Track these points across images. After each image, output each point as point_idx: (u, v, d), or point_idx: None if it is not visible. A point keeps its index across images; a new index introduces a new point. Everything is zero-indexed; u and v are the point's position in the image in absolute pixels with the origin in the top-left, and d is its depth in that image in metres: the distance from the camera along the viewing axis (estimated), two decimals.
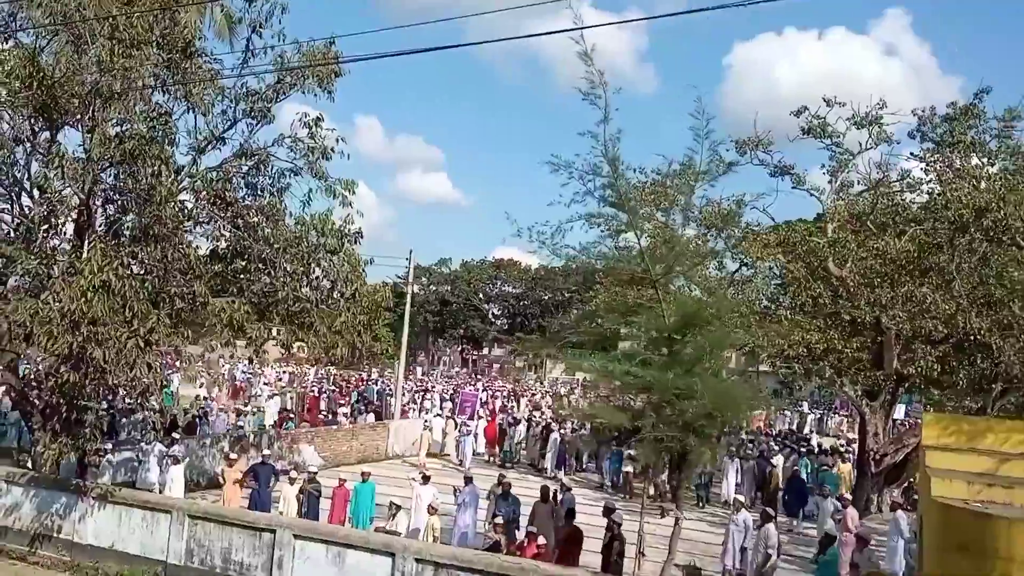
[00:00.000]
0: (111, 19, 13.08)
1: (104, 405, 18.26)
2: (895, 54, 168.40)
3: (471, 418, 32.98)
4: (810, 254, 23.30)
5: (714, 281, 21.52)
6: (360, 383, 48.61)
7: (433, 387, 49.97)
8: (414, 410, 36.59)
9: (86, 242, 15.48)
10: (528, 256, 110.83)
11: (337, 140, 16.37)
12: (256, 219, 17.04)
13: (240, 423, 26.59)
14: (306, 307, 16.98)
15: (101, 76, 13.12)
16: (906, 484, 24.94)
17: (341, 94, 16.57)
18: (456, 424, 30.90)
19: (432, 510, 15.41)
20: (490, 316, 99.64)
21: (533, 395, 51.66)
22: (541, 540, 13.36)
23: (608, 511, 14.04)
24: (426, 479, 16.95)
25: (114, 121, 14.28)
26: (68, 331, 12.61)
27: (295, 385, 41.55)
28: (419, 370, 69.49)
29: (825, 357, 23.14)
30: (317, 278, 17.69)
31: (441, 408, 35.38)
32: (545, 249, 12.80)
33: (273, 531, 13.51)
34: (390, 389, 42.18)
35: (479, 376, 74.74)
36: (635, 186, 29.38)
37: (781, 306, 22.95)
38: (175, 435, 20.28)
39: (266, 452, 19.22)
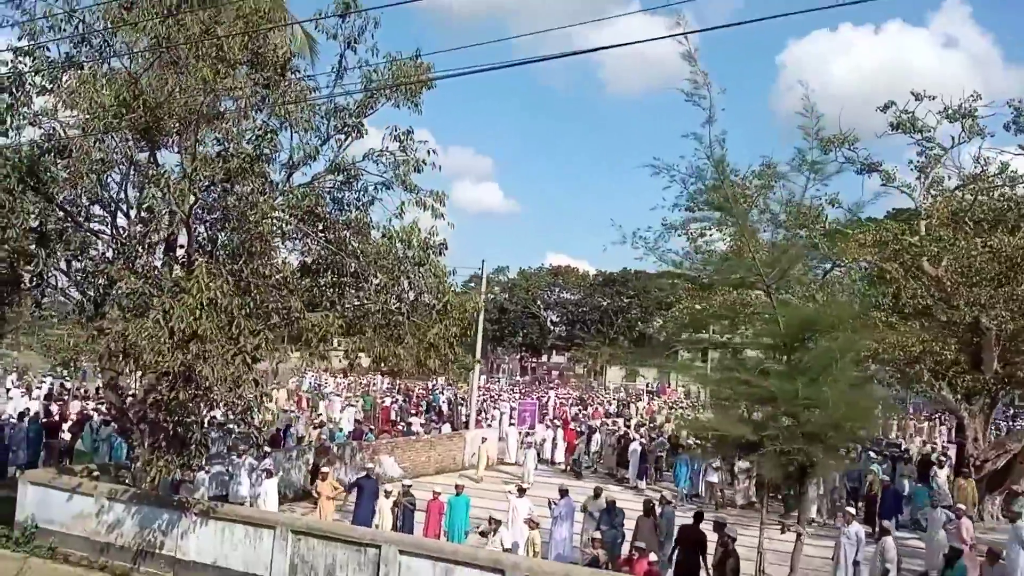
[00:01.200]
0: (216, 40, 13.11)
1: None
2: (955, 46, 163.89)
3: (531, 427, 32.47)
4: (903, 252, 22.47)
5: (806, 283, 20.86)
6: (425, 393, 48.71)
7: (500, 395, 49.82)
8: (485, 420, 36.42)
9: (182, 261, 15.65)
10: (582, 262, 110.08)
11: (428, 152, 16.17)
12: (345, 233, 16.99)
13: (323, 435, 26.68)
14: (397, 320, 16.85)
15: (204, 96, 13.16)
16: (1007, 491, 23.84)
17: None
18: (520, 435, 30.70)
19: (533, 524, 15.11)
20: (548, 323, 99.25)
21: (601, 402, 51.05)
22: (653, 557, 12.94)
23: (719, 526, 13.57)
24: (522, 492, 16.67)
25: (215, 140, 14.33)
26: (178, 349, 12.65)
27: (368, 395, 41.69)
28: (482, 378, 69.11)
29: (921, 360, 22.30)
30: (404, 291, 17.55)
31: (512, 418, 35.11)
32: (652, 255, 12.44)
33: (378, 547, 13.35)
34: (458, 398, 42.13)
35: (541, 384, 74.13)
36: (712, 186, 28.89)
37: (877, 307, 22.11)
38: (265, 448, 20.35)
39: (369, 466, 19.16)
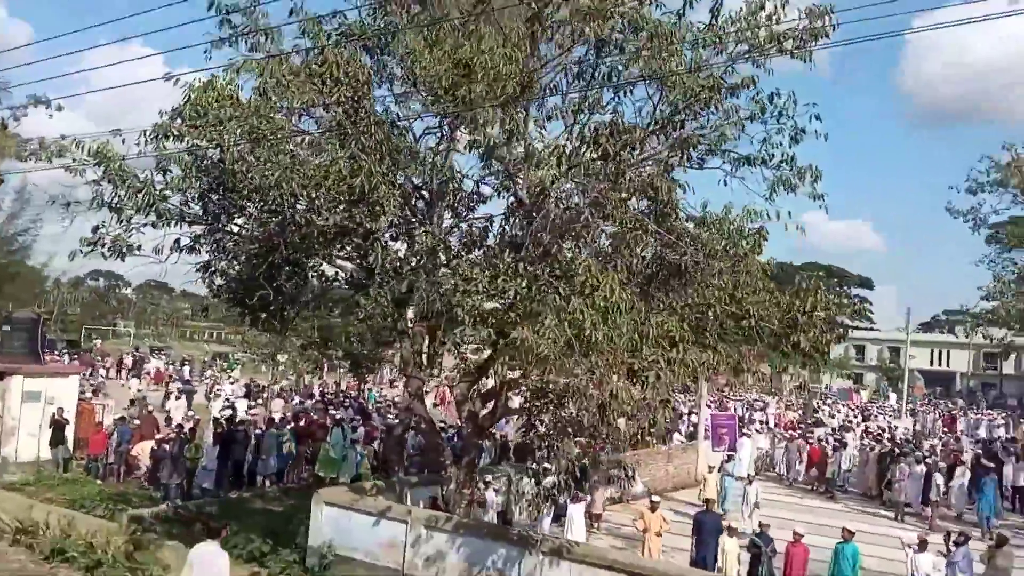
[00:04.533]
0: None
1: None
2: None
3: (731, 449, 26.41)
4: None
5: None
6: None
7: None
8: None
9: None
10: None
11: (811, 118, 13.12)
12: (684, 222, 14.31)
13: None
14: (749, 324, 14.07)
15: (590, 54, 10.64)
16: None
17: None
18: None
19: None
20: None
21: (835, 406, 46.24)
22: None
23: None
24: (923, 545, 13.52)
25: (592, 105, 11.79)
26: (581, 357, 10.25)
27: None
28: None
29: None
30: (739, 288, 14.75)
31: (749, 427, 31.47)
32: None
33: None
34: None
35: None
36: None
37: None
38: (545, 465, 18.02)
39: (709, 497, 16.56)
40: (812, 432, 31.74)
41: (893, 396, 55.57)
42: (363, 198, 10.72)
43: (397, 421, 22.00)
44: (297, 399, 31.93)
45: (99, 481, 19.96)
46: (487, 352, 13.87)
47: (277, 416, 28.21)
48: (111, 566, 12.86)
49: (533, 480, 13.27)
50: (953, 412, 46.41)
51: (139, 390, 36.16)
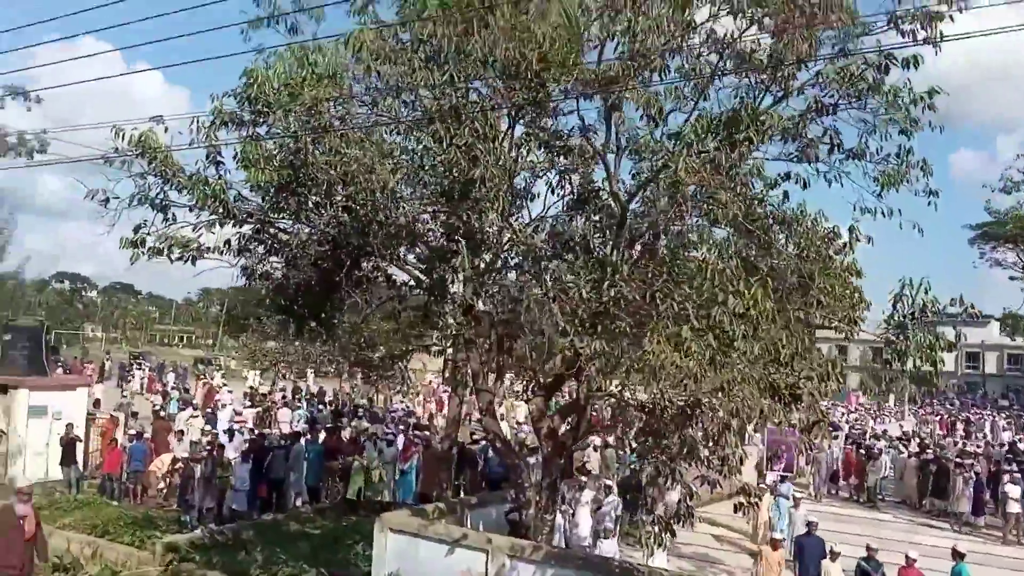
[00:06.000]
0: None
1: None
2: None
3: (788, 470, 23.78)
4: None
5: None
6: None
7: None
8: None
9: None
10: None
11: (924, 108, 11.88)
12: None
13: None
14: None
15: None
16: None
17: None
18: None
19: None
20: None
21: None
22: None
23: None
24: None
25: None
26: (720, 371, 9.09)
27: None
28: None
29: None
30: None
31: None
32: None
33: None
34: None
35: None
36: None
37: None
38: (607, 482, 16.87)
39: (805, 523, 15.43)
40: (836, 439, 30.85)
41: (892, 398, 55.17)
42: (468, 193, 9.48)
43: (431, 435, 20.67)
44: (303, 408, 30.35)
45: (115, 503, 18.45)
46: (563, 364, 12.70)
47: (284, 427, 26.76)
48: None
49: (643, 509, 12.07)
50: (968, 416, 45.93)
51: (124, 396, 34.07)
